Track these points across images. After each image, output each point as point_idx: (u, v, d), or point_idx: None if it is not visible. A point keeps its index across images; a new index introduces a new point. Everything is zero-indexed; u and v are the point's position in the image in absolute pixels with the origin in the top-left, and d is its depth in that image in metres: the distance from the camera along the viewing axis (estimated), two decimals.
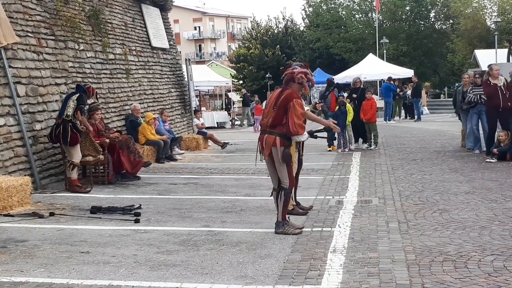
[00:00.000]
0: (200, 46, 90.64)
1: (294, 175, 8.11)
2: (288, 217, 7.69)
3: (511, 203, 8.99)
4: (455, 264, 6.02)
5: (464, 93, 15.56)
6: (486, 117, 14.44)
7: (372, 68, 36.59)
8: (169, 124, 18.11)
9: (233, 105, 41.96)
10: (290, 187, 7.61)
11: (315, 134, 8.28)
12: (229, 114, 37.36)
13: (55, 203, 9.92)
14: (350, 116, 16.96)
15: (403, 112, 32.88)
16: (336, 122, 8.38)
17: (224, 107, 40.35)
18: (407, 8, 55.83)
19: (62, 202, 9.95)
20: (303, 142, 8.05)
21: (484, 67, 20.50)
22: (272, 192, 7.82)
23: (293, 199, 8.59)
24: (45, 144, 11.59)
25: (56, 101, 12.29)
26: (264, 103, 31.74)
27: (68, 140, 10.93)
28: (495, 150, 13.78)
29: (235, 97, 51.19)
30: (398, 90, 31.15)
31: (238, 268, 6.12)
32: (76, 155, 11.13)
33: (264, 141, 7.62)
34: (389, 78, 31.71)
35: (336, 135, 17.06)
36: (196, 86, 29.00)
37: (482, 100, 14.53)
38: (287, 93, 7.54)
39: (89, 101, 11.97)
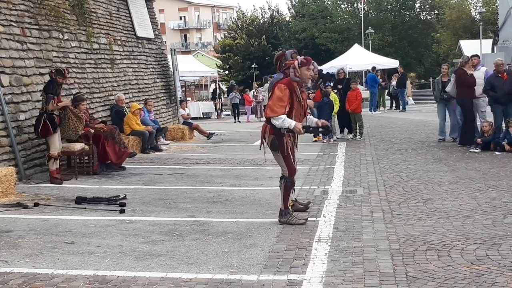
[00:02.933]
0: (185, 36, 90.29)
1: None
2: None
3: (494, 193, 9.08)
4: (438, 253, 6.08)
5: (443, 84, 15.66)
6: (466, 107, 14.50)
7: (358, 58, 36.67)
8: (154, 114, 18.07)
9: (223, 95, 41.83)
10: (290, 176, 7.56)
11: (311, 129, 8.21)
12: (215, 104, 37.27)
13: (40, 193, 9.88)
14: (336, 107, 17.01)
15: (388, 102, 32.97)
16: (327, 123, 8.28)
17: (212, 96, 40.17)
18: None
19: (47, 193, 9.92)
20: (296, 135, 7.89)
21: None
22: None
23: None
24: (30, 134, 11.53)
25: (40, 91, 12.21)
26: (251, 93, 31.87)
27: (38, 131, 10.96)
28: (478, 140, 13.90)
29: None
30: (380, 80, 31.21)
31: (223, 258, 6.14)
32: (52, 146, 11.01)
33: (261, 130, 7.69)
34: (373, 68, 31.78)
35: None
36: (182, 76, 28.94)
37: None
38: (278, 81, 7.52)
39: (64, 82, 11.74)
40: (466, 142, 14.36)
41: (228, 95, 37.19)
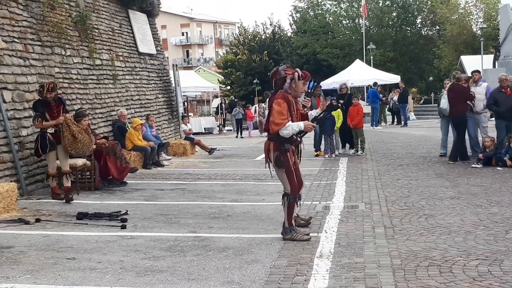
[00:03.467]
0: (187, 51, 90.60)
1: None
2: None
3: (496, 208, 9.06)
4: (440, 269, 6.06)
5: None
6: (460, 122, 14.65)
7: (359, 74, 36.76)
8: (156, 129, 18.10)
9: (226, 110, 41.53)
10: (293, 192, 7.54)
11: (319, 117, 8.27)
12: (217, 120, 37.31)
13: (41, 209, 9.88)
14: (339, 122, 17.01)
15: (389, 117, 32.99)
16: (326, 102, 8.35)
17: (216, 111, 39.99)
18: (394, 14, 56.18)
19: (48, 208, 9.92)
20: (300, 149, 7.93)
21: (470, 73, 20.65)
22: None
23: None
24: (31, 150, 11.54)
25: None
26: (253, 108, 31.93)
27: (34, 151, 11.05)
28: (480, 155, 13.89)
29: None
30: (381, 96, 31.27)
31: (224, 274, 6.13)
32: (49, 164, 10.97)
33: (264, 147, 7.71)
34: (375, 84, 31.83)
35: (323, 140, 17.14)
36: (184, 92, 29.01)
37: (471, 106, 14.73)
38: (274, 97, 7.55)
39: (51, 97, 10.87)
40: (455, 158, 14.57)
41: (231, 111, 37.22)
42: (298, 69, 7.67)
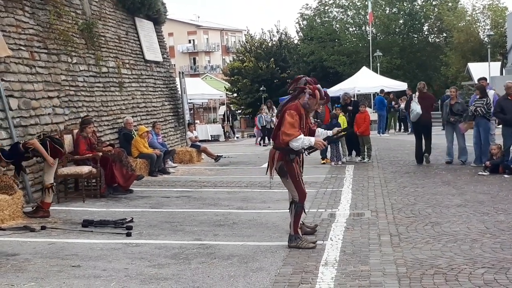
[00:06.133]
0: (194, 59, 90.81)
1: None
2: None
3: (503, 216, 9.01)
4: (446, 277, 6.02)
5: (451, 106, 15.67)
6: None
7: (366, 81, 36.70)
8: (162, 137, 18.11)
9: (232, 118, 41.09)
10: (301, 201, 7.53)
11: (333, 137, 8.30)
12: (223, 127, 37.29)
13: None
14: None
15: (397, 125, 32.92)
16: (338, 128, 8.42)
17: (225, 118, 39.55)
18: (401, 21, 56.16)
19: (54, 216, 9.92)
20: (301, 158, 7.93)
21: (477, 80, 20.67)
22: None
23: None
24: (37, 157, 11.54)
25: (49, 114, 12.29)
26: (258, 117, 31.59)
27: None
28: (487, 163, 13.84)
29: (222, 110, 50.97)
30: (393, 103, 31.21)
31: (229, 282, 6.11)
32: (52, 174, 10.34)
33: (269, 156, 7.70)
34: (382, 91, 31.79)
35: (329, 148, 17.12)
36: (190, 99, 28.98)
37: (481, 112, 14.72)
38: (286, 106, 7.51)
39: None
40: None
41: (235, 119, 37.03)
42: (320, 87, 7.64)
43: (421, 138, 16.31)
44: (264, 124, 29.45)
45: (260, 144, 29.09)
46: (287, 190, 7.75)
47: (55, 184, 10.45)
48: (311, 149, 7.56)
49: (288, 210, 7.71)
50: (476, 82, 16.57)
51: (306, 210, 9.31)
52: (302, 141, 7.30)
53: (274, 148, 7.62)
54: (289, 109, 7.42)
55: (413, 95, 17.66)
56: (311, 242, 7.51)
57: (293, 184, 7.50)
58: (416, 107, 15.73)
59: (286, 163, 7.43)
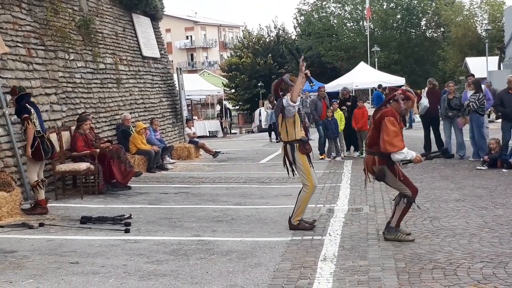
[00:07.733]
0: (192, 55, 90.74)
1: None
2: None
3: (501, 210, 9.02)
4: (445, 272, 6.02)
5: (449, 101, 15.67)
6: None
7: (364, 76, 36.63)
8: (160, 133, 18.08)
9: (229, 114, 41.04)
10: (414, 196, 7.44)
11: (430, 156, 8.43)
12: (221, 123, 37.25)
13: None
14: (342, 125, 17.01)
15: None
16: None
17: (219, 114, 39.46)
18: (398, 16, 56.19)
19: (52, 213, 9.90)
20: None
21: (475, 74, 20.72)
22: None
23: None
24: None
25: (46, 111, 12.25)
26: (257, 111, 31.44)
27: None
28: (485, 157, 13.85)
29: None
30: None
31: (228, 277, 6.11)
32: (36, 172, 10.23)
33: (364, 163, 7.69)
34: (379, 86, 31.78)
35: (327, 143, 17.12)
36: (188, 95, 28.89)
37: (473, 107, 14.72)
38: (381, 112, 7.40)
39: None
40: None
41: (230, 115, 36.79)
42: (409, 89, 7.66)
43: (429, 130, 16.58)
44: (264, 120, 28.40)
45: (271, 141, 27.84)
46: (301, 180, 7.99)
47: (43, 179, 10.29)
48: (407, 162, 7.49)
49: (393, 201, 7.70)
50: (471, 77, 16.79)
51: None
52: (405, 155, 7.21)
53: (370, 154, 7.53)
54: (386, 115, 7.29)
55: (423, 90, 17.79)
56: (408, 234, 7.48)
57: (403, 183, 7.42)
58: (424, 101, 15.72)
59: (389, 167, 7.37)
